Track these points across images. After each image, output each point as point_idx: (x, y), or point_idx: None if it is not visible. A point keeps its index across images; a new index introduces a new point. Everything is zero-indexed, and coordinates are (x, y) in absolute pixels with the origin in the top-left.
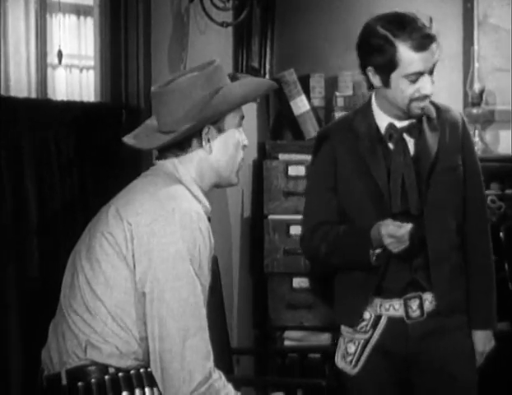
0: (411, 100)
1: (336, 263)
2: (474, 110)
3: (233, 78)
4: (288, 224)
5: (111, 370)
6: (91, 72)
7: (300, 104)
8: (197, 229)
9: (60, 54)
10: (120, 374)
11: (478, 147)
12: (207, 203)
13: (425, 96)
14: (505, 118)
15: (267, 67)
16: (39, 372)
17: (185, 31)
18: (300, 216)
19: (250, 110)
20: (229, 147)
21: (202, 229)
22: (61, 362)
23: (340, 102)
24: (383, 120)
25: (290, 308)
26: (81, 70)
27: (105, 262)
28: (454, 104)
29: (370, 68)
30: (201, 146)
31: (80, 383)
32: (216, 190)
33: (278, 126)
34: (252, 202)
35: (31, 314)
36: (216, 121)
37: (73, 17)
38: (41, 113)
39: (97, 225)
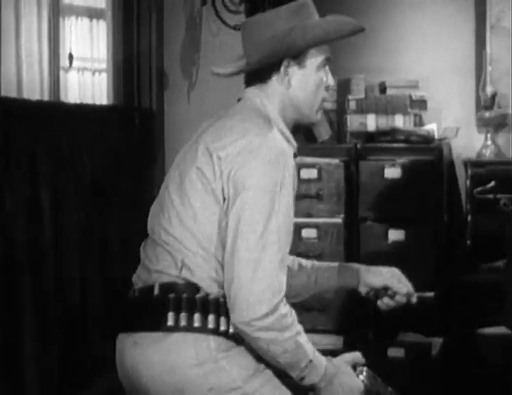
0: None
1: None
2: (487, 114)
3: (323, 16)
4: (300, 227)
5: (201, 292)
6: (104, 75)
7: None
8: (282, 166)
9: (71, 57)
10: (210, 297)
11: (491, 151)
12: (292, 140)
13: None
14: None
15: None
16: (130, 290)
17: (198, 34)
18: (312, 219)
19: None
20: (309, 84)
21: (287, 166)
22: (153, 278)
23: (352, 105)
24: None
25: (303, 310)
26: (93, 73)
27: (194, 197)
28: (467, 107)
29: None
30: (281, 79)
31: (171, 295)
32: None
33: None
34: None
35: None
36: (298, 56)
37: (86, 20)
38: (54, 115)
39: (186, 161)
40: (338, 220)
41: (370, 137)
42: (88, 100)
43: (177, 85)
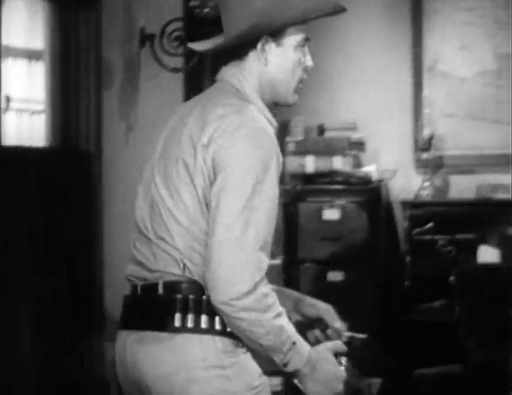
0: None
1: None
2: (424, 155)
3: None
4: None
5: (207, 292)
6: (42, 116)
7: None
8: (267, 146)
9: (8, 99)
10: None
11: (429, 192)
12: (272, 120)
13: None
14: (454, 163)
15: None
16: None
17: (136, 76)
18: None
19: None
20: (286, 63)
21: (272, 146)
22: (155, 276)
23: (291, 147)
24: None
25: None
26: (31, 114)
27: (183, 190)
28: (404, 149)
29: None
30: (257, 56)
31: (178, 296)
32: None
33: None
34: None
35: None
36: (276, 34)
37: (24, 61)
38: None
39: (171, 152)
40: (277, 261)
41: (308, 178)
42: (26, 142)
43: (116, 128)
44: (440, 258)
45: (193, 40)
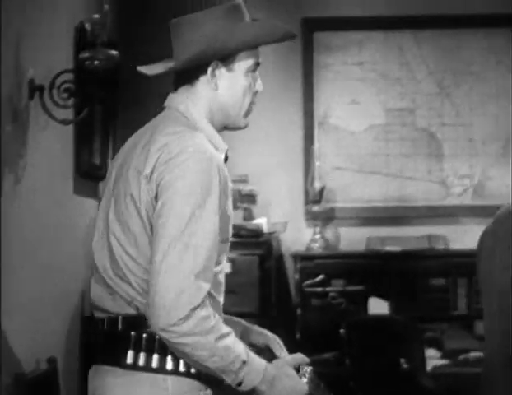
0: None
1: None
2: (315, 208)
3: (254, 20)
4: None
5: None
6: None
7: None
8: (207, 171)
9: None
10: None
11: (320, 244)
12: (221, 144)
13: None
14: (344, 216)
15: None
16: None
17: (25, 129)
18: None
19: (91, 207)
20: (236, 88)
21: (212, 172)
22: (115, 309)
23: None
24: None
25: None
26: None
27: (133, 224)
28: (295, 201)
29: None
30: (207, 81)
31: (132, 333)
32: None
33: None
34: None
35: None
36: (226, 59)
37: None
38: None
39: (119, 188)
40: None
41: None
42: None
43: (3, 180)
44: (331, 310)
45: (83, 92)
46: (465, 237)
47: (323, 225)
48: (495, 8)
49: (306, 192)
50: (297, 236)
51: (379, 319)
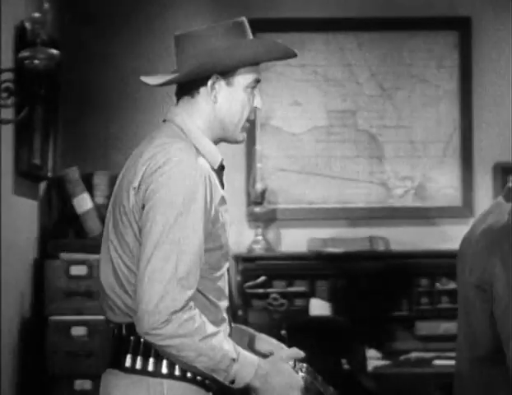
0: None
1: None
2: (257, 209)
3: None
4: (70, 325)
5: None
6: None
7: (83, 202)
8: (190, 181)
9: None
10: None
11: (261, 245)
12: (214, 154)
13: None
14: (286, 217)
15: (50, 164)
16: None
17: None
18: (82, 317)
19: (31, 208)
20: (235, 103)
21: (196, 182)
22: (117, 319)
23: (98, 201)
24: None
25: None
26: None
27: (127, 235)
28: (237, 203)
29: None
30: (207, 94)
31: (132, 337)
32: None
33: (61, 224)
34: (32, 302)
35: None
36: (226, 73)
37: None
38: None
39: (116, 203)
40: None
41: None
42: None
43: None
44: (272, 312)
45: (23, 91)
46: (406, 238)
47: (265, 227)
48: (436, 11)
49: (248, 194)
50: (239, 238)
51: (320, 320)
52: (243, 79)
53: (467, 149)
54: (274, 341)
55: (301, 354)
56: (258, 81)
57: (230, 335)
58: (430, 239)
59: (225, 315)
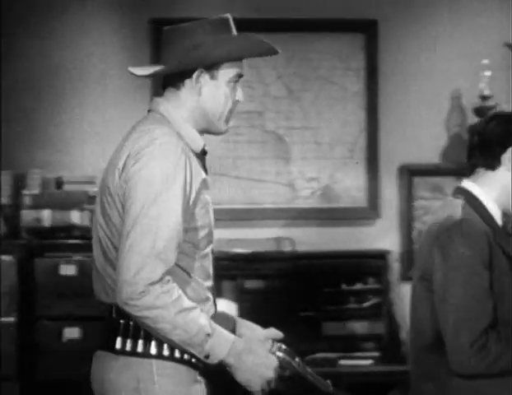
0: None
1: None
2: None
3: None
4: None
5: None
6: None
7: None
8: (172, 161)
9: None
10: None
11: None
12: (196, 140)
13: None
14: None
15: None
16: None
17: None
18: None
19: None
20: (218, 96)
21: (179, 163)
22: (108, 300)
23: (27, 200)
24: None
25: None
26: None
27: (114, 216)
28: None
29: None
30: (192, 87)
31: (122, 320)
32: None
33: None
34: None
35: None
36: (211, 67)
37: None
38: None
39: (103, 183)
40: (11, 319)
41: (45, 233)
42: None
43: None
44: None
45: None
46: (312, 239)
47: None
48: (343, 14)
49: None
50: None
51: None
52: (226, 73)
53: (373, 150)
54: (255, 326)
55: (280, 334)
56: (240, 75)
57: (213, 316)
58: (336, 239)
59: (209, 295)
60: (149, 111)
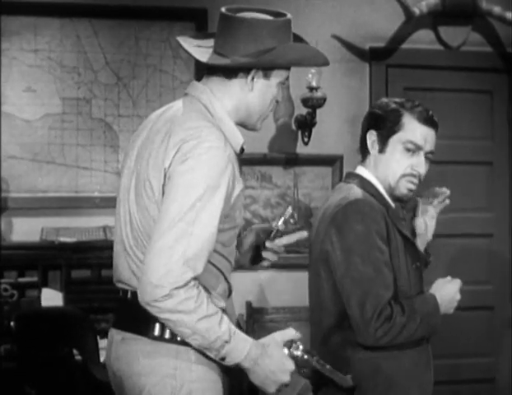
0: (402, 176)
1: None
2: None
3: (295, 38)
4: None
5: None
6: None
7: None
8: (218, 169)
9: None
10: None
11: None
12: (238, 138)
13: (417, 175)
14: (18, 206)
15: None
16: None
17: None
18: None
19: None
20: (267, 94)
21: (222, 167)
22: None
23: None
24: None
25: None
26: None
27: (152, 209)
28: None
29: (371, 131)
30: (245, 82)
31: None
32: None
33: None
34: None
35: None
36: (267, 68)
37: None
38: None
39: (140, 169)
40: None
41: None
42: None
43: None
44: (3, 303)
45: None
46: None
47: None
48: (173, 2)
49: None
50: None
51: (50, 311)
52: (279, 75)
53: None
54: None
55: (297, 335)
56: (287, 78)
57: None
58: None
59: (231, 288)
60: (186, 94)
